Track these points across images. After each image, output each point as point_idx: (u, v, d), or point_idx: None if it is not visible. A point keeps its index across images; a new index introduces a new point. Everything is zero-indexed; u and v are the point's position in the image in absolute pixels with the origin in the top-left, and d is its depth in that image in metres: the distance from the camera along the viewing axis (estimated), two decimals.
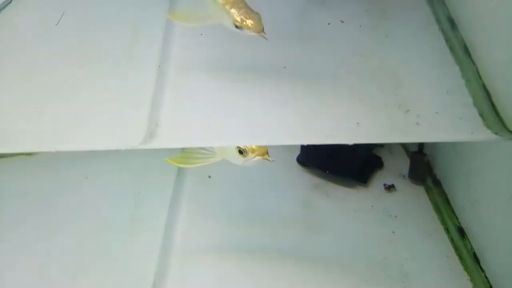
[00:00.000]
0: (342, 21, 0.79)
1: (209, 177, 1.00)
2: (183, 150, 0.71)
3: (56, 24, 0.76)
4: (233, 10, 0.61)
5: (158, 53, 0.75)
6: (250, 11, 0.61)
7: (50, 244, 0.86)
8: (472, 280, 0.77)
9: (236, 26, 0.61)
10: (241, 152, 0.64)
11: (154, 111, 0.65)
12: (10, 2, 0.87)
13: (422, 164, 0.96)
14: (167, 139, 0.61)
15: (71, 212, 0.92)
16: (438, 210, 0.90)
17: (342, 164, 0.96)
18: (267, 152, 0.65)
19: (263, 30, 0.60)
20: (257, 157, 0.64)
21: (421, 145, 0.97)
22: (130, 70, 0.72)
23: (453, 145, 0.87)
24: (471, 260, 0.79)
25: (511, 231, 0.69)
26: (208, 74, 0.71)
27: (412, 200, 0.93)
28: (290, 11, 0.84)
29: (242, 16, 0.60)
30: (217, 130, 0.62)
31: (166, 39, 0.78)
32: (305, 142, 0.62)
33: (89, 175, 1.01)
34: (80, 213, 0.92)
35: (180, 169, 1.01)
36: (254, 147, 0.64)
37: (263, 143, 0.63)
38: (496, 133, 0.58)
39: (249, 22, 0.60)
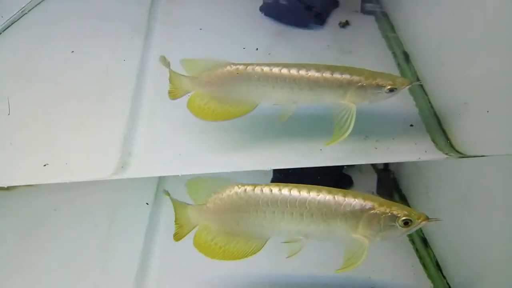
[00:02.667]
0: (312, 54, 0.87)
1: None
2: None
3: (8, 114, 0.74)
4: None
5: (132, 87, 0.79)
6: None
7: (22, 277, 0.86)
8: (435, 286, 0.83)
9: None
10: (406, 223, 0.57)
11: (127, 142, 0.68)
12: None
13: (389, 181, 1.04)
14: (139, 169, 0.64)
15: (43, 243, 0.92)
16: None
17: None
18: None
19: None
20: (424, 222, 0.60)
21: (386, 163, 1.05)
22: (104, 104, 0.76)
23: (414, 164, 0.96)
24: (434, 268, 0.86)
25: (466, 239, 0.77)
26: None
27: None
28: (257, 45, 0.90)
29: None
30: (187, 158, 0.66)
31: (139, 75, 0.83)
32: (274, 167, 0.68)
33: (59, 207, 0.99)
34: (52, 244, 0.92)
35: (156, 195, 1.01)
36: (415, 212, 0.59)
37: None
38: (446, 154, 0.66)
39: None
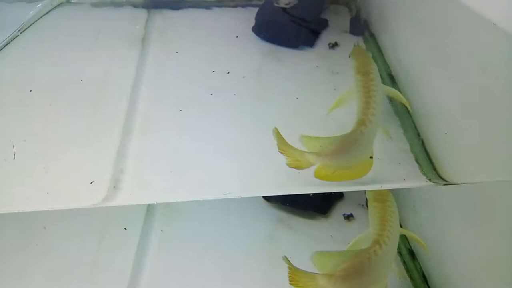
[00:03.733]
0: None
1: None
2: None
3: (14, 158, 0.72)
4: None
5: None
6: None
7: None
8: None
9: None
10: None
11: (120, 159, 0.70)
12: None
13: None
14: (131, 190, 0.64)
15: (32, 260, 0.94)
16: None
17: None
18: None
19: None
20: None
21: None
22: (96, 121, 0.78)
23: None
24: (420, 279, 0.90)
25: (450, 251, 0.80)
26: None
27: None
28: (249, 67, 0.93)
29: None
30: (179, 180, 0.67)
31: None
32: (263, 194, 0.70)
33: (48, 224, 1.01)
34: (42, 260, 0.94)
35: (148, 210, 1.05)
36: None
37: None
38: (429, 180, 0.67)
39: None
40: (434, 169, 0.70)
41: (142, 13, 1.10)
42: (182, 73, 0.91)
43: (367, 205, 1.05)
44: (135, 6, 1.11)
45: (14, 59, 0.94)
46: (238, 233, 1.02)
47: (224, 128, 0.78)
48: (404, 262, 0.95)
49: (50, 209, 0.61)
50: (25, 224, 1.02)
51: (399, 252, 0.97)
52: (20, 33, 1.00)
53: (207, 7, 1.12)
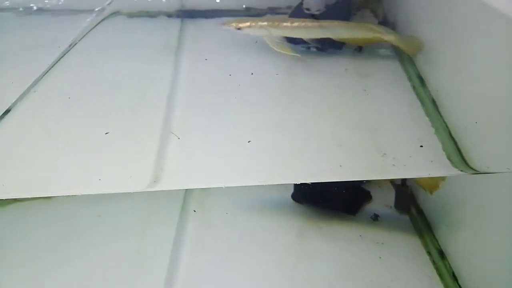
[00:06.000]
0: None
1: (216, 202, 1.12)
2: None
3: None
4: None
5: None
6: None
7: (61, 279, 0.93)
8: None
9: None
10: None
11: (159, 159, 0.74)
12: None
13: (406, 196, 1.09)
14: (171, 182, 0.70)
15: (82, 249, 1.00)
16: (421, 236, 1.02)
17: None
18: None
19: None
20: None
21: (404, 179, 1.10)
22: (138, 124, 0.82)
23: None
24: (450, 279, 0.90)
25: (481, 250, 0.81)
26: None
27: (398, 228, 1.05)
28: (279, 69, 0.97)
29: None
30: (215, 172, 0.71)
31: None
32: (294, 181, 0.73)
33: (101, 214, 1.09)
34: (91, 250, 1.00)
35: (182, 208, 1.11)
36: None
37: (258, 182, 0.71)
38: (461, 170, 0.70)
39: None
40: (466, 163, 0.71)
41: (176, 23, 1.15)
42: (214, 79, 0.95)
43: (395, 207, 1.09)
44: (169, 16, 1.17)
45: (68, 69, 0.99)
46: (268, 233, 1.04)
47: (256, 128, 0.81)
48: (433, 262, 0.96)
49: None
50: (72, 216, 1.09)
51: (428, 252, 0.98)
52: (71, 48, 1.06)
53: (237, 15, 1.16)
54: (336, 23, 0.92)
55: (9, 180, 0.70)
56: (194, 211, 1.10)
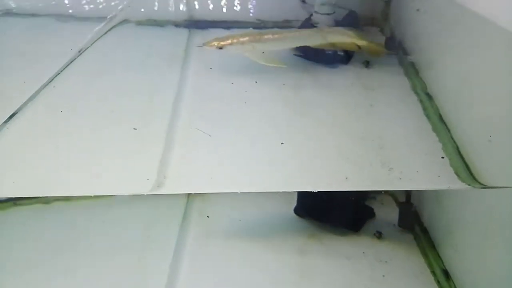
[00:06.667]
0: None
1: (216, 213, 1.11)
2: None
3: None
4: None
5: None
6: None
7: (61, 284, 0.92)
8: None
9: None
10: None
11: (163, 166, 0.74)
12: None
13: (410, 214, 1.08)
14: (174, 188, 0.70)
15: (82, 255, 0.99)
16: (425, 255, 1.00)
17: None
18: None
19: None
20: None
21: (408, 196, 1.09)
22: (142, 131, 0.82)
23: (435, 196, 0.99)
24: None
25: (487, 270, 0.79)
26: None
27: (401, 246, 1.03)
28: (286, 80, 0.97)
29: None
30: (219, 180, 0.71)
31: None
32: (298, 189, 0.73)
33: (103, 220, 1.09)
34: (91, 256, 0.99)
35: (184, 216, 1.10)
36: None
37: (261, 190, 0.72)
38: (469, 185, 0.69)
39: None
40: (474, 178, 0.70)
41: (184, 32, 1.16)
42: (219, 88, 0.95)
43: (398, 225, 1.07)
44: (177, 25, 1.18)
45: (75, 76, 1.00)
46: (270, 247, 1.03)
47: (261, 138, 0.81)
48: (438, 282, 0.94)
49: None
50: (73, 220, 1.09)
51: (433, 272, 0.96)
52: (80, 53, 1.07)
53: (246, 27, 1.16)
54: (312, 31, 0.93)
55: (16, 179, 0.71)
56: (208, 216, 1.10)
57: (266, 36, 0.90)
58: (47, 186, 0.70)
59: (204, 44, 0.89)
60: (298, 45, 0.93)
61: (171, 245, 1.01)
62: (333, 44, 0.94)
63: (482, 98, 0.73)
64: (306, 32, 0.93)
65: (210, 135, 0.79)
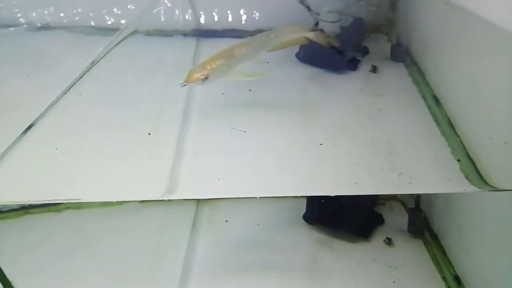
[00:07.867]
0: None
1: (226, 221, 1.13)
2: None
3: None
4: None
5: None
6: None
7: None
8: None
9: None
10: None
11: (174, 174, 0.74)
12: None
13: (420, 220, 1.07)
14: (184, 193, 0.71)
15: (94, 262, 1.01)
16: (435, 261, 1.00)
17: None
18: None
19: None
20: None
21: (417, 202, 1.09)
22: (154, 138, 0.82)
23: (445, 201, 0.99)
24: None
25: (500, 275, 0.79)
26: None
27: (412, 252, 1.03)
28: (294, 88, 0.98)
29: None
30: (228, 185, 0.71)
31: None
32: (309, 194, 0.74)
33: (115, 228, 1.10)
34: (104, 262, 1.01)
35: (195, 222, 1.12)
36: None
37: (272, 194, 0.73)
38: (480, 188, 0.69)
39: None
40: (484, 182, 0.70)
41: (191, 42, 1.17)
42: (228, 95, 0.96)
43: (408, 231, 1.07)
44: (185, 35, 1.19)
45: (91, 85, 1.00)
46: (279, 253, 1.03)
47: (270, 145, 0.81)
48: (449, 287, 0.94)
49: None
50: (83, 227, 1.10)
51: (444, 278, 0.96)
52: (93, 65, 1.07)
53: (252, 35, 1.17)
54: (264, 35, 0.92)
55: (37, 186, 0.71)
56: (226, 221, 1.12)
57: (236, 51, 0.87)
58: (61, 192, 0.71)
59: (186, 82, 0.81)
60: (262, 52, 0.92)
61: (182, 252, 1.01)
62: (286, 43, 0.96)
63: (491, 102, 0.73)
64: (261, 37, 0.92)
65: (245, 131, 0.81)
